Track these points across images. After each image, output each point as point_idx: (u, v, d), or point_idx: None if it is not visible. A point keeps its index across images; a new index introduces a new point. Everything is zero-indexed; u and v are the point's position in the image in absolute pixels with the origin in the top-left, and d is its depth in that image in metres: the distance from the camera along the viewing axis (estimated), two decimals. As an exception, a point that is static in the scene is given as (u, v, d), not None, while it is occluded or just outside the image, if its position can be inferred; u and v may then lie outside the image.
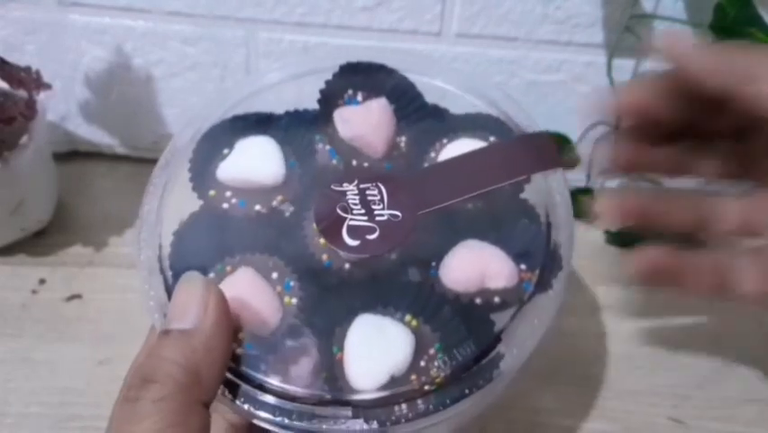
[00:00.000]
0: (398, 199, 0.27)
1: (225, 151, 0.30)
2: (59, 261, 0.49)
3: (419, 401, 0.24)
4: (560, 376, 0.44)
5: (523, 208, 0.28)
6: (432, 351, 0.26)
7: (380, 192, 0.27)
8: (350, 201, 0.27)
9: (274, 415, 0.25)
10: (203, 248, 0.28)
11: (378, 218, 0.27)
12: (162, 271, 0.28)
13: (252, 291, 0.26)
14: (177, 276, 0.27)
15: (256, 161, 0.30)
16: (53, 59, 0.52)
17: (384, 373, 0.25)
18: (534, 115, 0.54)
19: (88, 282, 0.48)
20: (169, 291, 0.27)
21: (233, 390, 0.26)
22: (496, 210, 0.29)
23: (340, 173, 0.29)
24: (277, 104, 0.31)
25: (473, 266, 0.27)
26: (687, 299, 0.50)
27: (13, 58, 0.46)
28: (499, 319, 0.27)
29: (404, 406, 0.24)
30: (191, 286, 0.25)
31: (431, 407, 0.24)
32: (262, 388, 0.25)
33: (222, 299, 0.24)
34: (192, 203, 0.30)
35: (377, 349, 0.25)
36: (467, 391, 0.25)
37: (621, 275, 0.51)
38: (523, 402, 0.42)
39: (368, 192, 0.27)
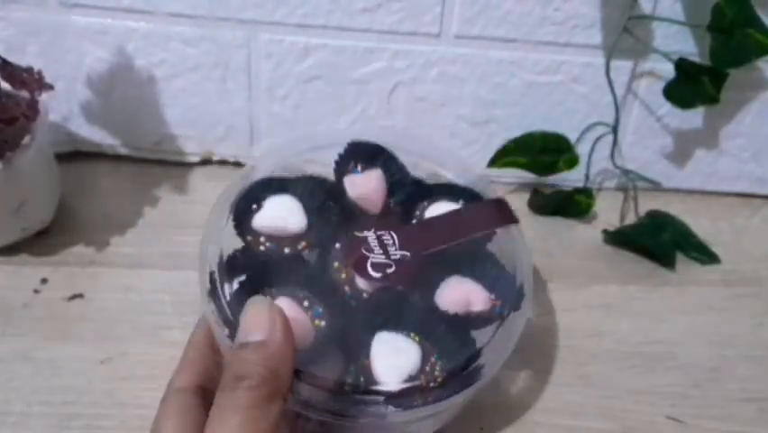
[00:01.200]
0: (407, 243, 0.35)
1: (254, 206, 0.39)
2: (61, 260, 0.49)
3: (427, 394, 0.32)
4: (558, 375, 0.44)
5: (490, 254, 0.37)
6: (433, 359, 0.34)
7: (393, 238, 0.36)
8: (370, 243, 0.35)
9: (327, 403, 0.32)
10: (245, 279, 0.35)
11: (392, 256, 0.35)
12: (218, 292, 0.36)
13: (291, 318, 0.32)
14: (230, 304, 0.35)
15: (284, 214, 0.38)
16: (55, 60, 0.52)
17: (405, 372, 0.33)
18: (532, 117, 0.55)
19: (90, 282, 0.48)
20: (225, 309, 0.35)
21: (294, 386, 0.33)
22: (473, 255, 0.38)
23: (359, 223, 0.37)
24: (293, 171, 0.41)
25: (460, 295, 0.36)
26: (685, 299, 0.50)
27: (15, 58, 0.46)
28: (482, 334, 0.36)
29: (418, 397, 0.32)
30: (259, 306, 0.30)
31: (435, 398, 0.32)
32: (314, 384, 0.33)
33: (285, 316, 0.30)
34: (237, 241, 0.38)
35: (395, 356, 0.33)
36: (459, 388, 0.33)
37: (619, 274, 0.51)
38: (521, 401, 0.42)
39: (383, 237, 0.36)
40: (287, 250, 0.37)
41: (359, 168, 0.42)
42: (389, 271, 0.34)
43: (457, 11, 0.50)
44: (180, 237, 0.52)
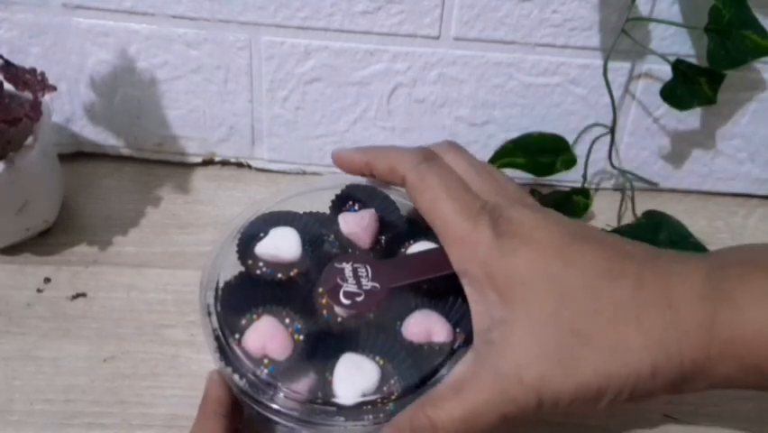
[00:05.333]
0: (378, 276, 0.39)
1: (262, 234, 0.43)
2: (64, 260, 0.50)
3: (380, 413, 0.37)
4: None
5: (459, 291, 0.39)
6: (392, 381, 0.38)
7: (366, 270, 0.40)
8: (346, 274, 0.39)
9: (288, 411, 0.37)
10: (242, 300, 0.40)
11: (364, 287, 0.39)
12: (214, 312, 0.40)
13: (272, 332, 0.38)
14: (221, 320, 0.39)
15: (282, 244, 0.42)
16: (58, 62, 0.53)
17: (359, 390, 0.37)
18: (531, 118, 0.55)
19: (93, 281, 0.48)
20: (217, 329, 0.40)
21: (259, 393, 0.37)
22: (443, 289, 0.41)
23: (340, 256, 0.41)
24: (297, 207, 0.45)
25: (424, 326, 0.39)
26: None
27: (18, 60, 0.46)
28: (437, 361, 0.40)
29: (371, 412, 0.37)
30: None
31: (387, 414, 0.37)
32: (279, 394, 0.38)
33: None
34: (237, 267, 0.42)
35: (355, 375, 0.38)
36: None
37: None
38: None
39: (359, 270, 0.40)
40: (279, 275, 0.41)
41: (356, 207, 0.46)
42: (358, 299, 0.39)
43: (456, 13, 0.50)
44: (182, 237, 0.52)
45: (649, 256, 0.34)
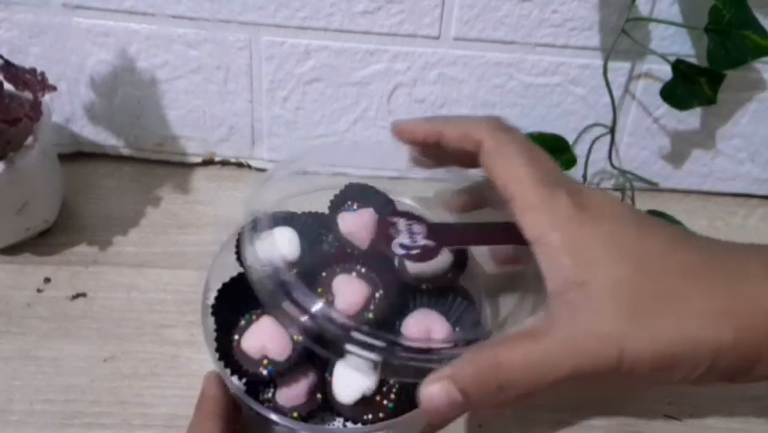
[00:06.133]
0: (433, 235, 0.40)
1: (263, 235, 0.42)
2: (64, 260, 0.50)
3: (380, 412, 0.38)
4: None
5: (459, 290, 0.41)
6: (392, 381, 0.38)
7: (421, 228, 0.40)
8: (399, 227, 0.40)
9: (287, 412, 0.38)
10: (241, 301, 0.40)
11: (418, 242, 0.39)
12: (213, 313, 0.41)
13: (272, 332, 0.39)
14: (220, 321, 0.40)
15: (281, 244, 0.42)
16: (58, 62, 0.53)
17: (359, 391, 0.37)
18: (531, 118, 0.55)
19: (93, 281, 0.48)
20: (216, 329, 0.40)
21: (258, 394, 0.39)
22: (444, 288, 0.42)
23: (393, 212, 0.42)
24: (296, 208, 0.46)
25: (423, 325, 0.40)
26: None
27: (18, 60, 0.46)
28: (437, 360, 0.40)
29: (370, 414, 0.37)
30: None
31: (388, 415, 0.38)
32: (279, 395, 0.39)
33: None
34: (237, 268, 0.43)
35: (354, 378, 0.38)
36: (411, 407, 0.37)
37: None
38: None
39: (413, 226, 0.40)
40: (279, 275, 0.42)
41: (354, 206, 0.46)
42: (413, 252, 0.39)
43: (456, 13, 0.50)
44: (182, 237, 0.52)
45: (713, 239, 0.36)
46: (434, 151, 0.40)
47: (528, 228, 0.35)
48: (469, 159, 0.37)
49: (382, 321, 0.41)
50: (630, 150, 0.57)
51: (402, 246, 0.39)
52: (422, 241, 0.39)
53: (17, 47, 0.52)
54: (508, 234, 0.41)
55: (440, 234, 0.40)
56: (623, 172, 0.56)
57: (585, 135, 0.55)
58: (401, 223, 0.40)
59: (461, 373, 0.32)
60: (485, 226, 0.41)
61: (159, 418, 0.41)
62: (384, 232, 0.39)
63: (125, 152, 0.58)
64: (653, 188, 0.58)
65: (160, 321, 0.46)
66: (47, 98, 0.46)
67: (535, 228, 0.35)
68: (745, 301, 0.31)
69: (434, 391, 0.32)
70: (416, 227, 0.40)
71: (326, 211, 0.47)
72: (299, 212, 0.46)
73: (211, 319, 0.41)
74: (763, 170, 0.58)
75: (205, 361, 0.41)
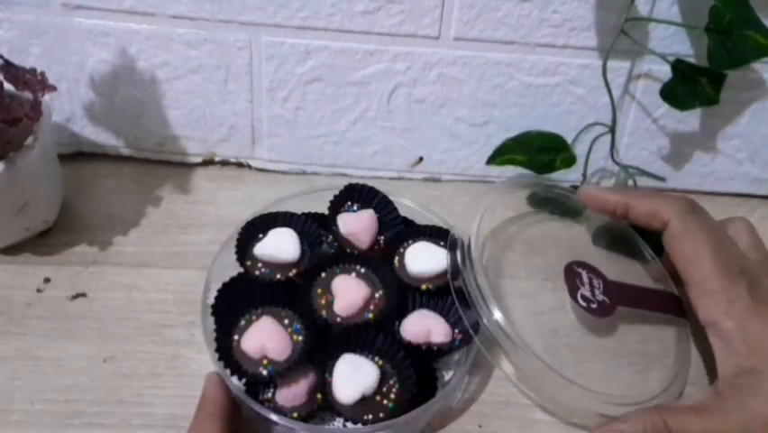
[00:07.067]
0: (608, 292, 0.43)
1: (261, 235, 0.44)
2: (64, 260, 0.50)
3: (380, 412, 0.38)
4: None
5: (459, 290, 0.42)
6: (392, 381, 0.39)
7: (599, 284, 0.44)
8: (583, 279, 0.43)
9: (287, 412, 0.38)
10: (241, 301, 0.41)
11: (597, 297, 0.43)
12: (213, 313, 0.42)
13: (272, 332, 0.39)
14: (220, 321, 0.41)
15: (281, 245, 0.43)
16: (58, 62, 0.53)
17: (359, 390, 0.38)
18: (530, 118, 0.55)
19: (93, 281, 0.48)
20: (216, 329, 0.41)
21: (258, 394, 0.39)
22: (439, 292, 0.43)
23: (576, 261, 0.45)
24: (296, 208, 0.47)
25: (423, 326, 0.41)
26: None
27: (18, 60, 0.46)
28: (438, 363, 0.43)
29: (370, 414, 0.38)
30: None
31: (388, 415, 0.38)
32: (279, 395, 0.39)
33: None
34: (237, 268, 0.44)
35: (354, 377, 0.38)
36: (410, 407, 0.38)
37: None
38: (518, 399, 0.43)
39: (593, 280, 0.44)
40: (278, 276, 0.42)
41: (355, 207, 0.47)
42: (593, 306, 0.42)
43: (456, 13, 0.50)
44: (182, 237, 0.52)
45: None
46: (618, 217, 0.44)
47: (704, 311, 0.39)
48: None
49: (382, 321, 0.41)
50: (630, 150, 0.57)
51: (583, 298, 0.42)
52: (600, 296, 0.43)
53: (17, 47, 0.52)
54: (677, 306, 0.46)
55: (615, 292, 0.44)
56: (625, 168, 0.56)
57: (585, 135, 0.55)
58: (584, 275, 0.44)
59: (631, 429, 0.37)
60: (656, 294, 0.45)
61: (159, 418, 0.41)
62: (572, 282, 0.43)
63: (125, 151, 0.58)
64: (653, 187, 0.58)
65: (160, 321, 0.46)
66: (47, 98, 0.46)
67: (711, 313, 0.38)
68: None
69: None
70: (596, 281, 0.44)
71: (326, 211, 0.47)
72: (299, 212, 0.46)
73: (211, 319, 0.41)
74: (763, 170, 0.58)
75: (206, 361, 0.41)
